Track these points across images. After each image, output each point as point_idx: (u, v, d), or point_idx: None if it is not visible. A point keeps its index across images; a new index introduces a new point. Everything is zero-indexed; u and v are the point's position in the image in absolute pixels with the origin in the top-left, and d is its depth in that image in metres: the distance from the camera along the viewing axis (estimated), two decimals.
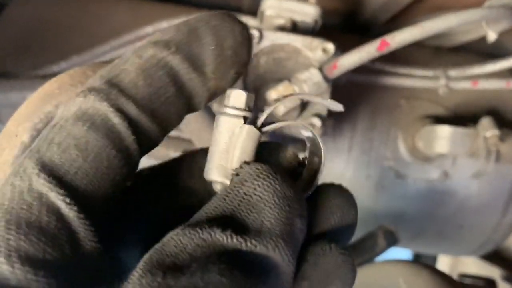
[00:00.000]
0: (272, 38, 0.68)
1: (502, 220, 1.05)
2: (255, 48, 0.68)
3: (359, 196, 1.03)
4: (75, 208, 0.22)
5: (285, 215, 0.24)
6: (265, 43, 0.67)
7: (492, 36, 0.86)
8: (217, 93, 0.27)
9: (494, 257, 1.71)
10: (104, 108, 0.24)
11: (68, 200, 0.22)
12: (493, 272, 1.57)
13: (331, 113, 0.85)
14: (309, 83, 0.60)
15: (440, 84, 0.86)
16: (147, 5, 0.99)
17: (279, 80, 0.65)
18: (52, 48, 0.96)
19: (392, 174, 0.99)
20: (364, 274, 0.68)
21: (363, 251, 0.74)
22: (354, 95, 0.98)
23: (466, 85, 0.87)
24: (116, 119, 0.24)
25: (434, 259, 2.16)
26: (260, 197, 0.24)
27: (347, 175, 0.99)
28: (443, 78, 0.86)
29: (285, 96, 0.31)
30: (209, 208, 0.24)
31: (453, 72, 0.87)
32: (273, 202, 0.24)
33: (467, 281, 1.42)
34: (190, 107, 0.27)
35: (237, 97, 0.28)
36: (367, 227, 0.99)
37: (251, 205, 0.24)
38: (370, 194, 1.01)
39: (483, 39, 1.02)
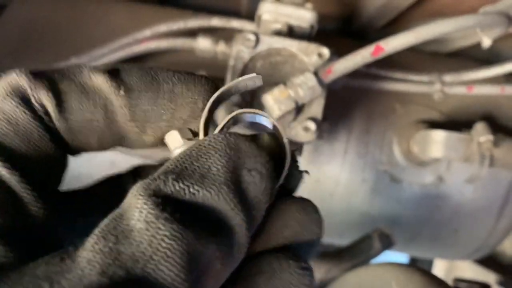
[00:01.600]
0: (269, 43, 0.68)
1: (497, 224, 1.06)
2: (252, 52, 0.68)
3: (354, 200, 1.03)
4: (16, 173, 0.23)
5: (233, 164, 0.23)
6: (262, 47, 0.68)
7: (486, 42, 0.87)
8: None
9: (490, 262, 1.72)
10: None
11: (8, 166, 0.23)
12: (488, 277, 1.57)
13: (325, 117, 0.86)
14: (304, 87, 0.61)
15: (435, 89, 0.87)
16: (146, 8, 1.00)
17: (275, 83, 0.65)
18: (51, 49, 0.97)
19: (387, 178, 1.00)
20: (357, 277, 0.68)
21: (358, 253, 0.74)
22: (350, 99, 0.99)
23: (461, 90, 0.88)
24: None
25: (430, 263, 2.17)
26: (212, 146, 0.24)
27: (343, 178, 1.00)
28: (438, 83, 0.87)
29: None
30: (163, 167, 0.23)
31: (448, 77, 0.88)
32: (223, 151, 0.23)
33: (462, 285, 1.43)
34: None
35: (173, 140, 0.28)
36: (363, 231, 1.00)
37: (201, 153, 0.23)
38: (366, 198, 1.01)
39: (478, 45, 1.03)
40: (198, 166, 0.23)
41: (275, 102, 0.61)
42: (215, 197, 0.22)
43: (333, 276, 0.72)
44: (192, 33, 0.89)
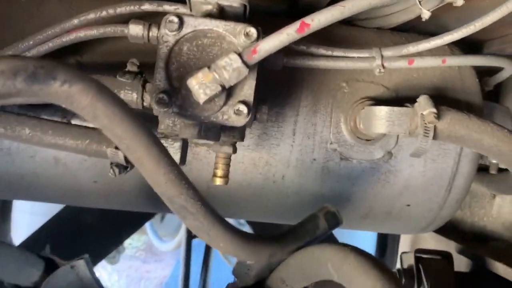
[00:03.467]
0: (194, 24, 0.66)
1: (449, 196, 1.07)
2: (177, 35, 0.65)
3: (306, 180, 1.02)
4: None
5: None
6: (187, 29, 0.65)
7: (426, 14, 0.86)
8: None
9: (451, 230, 1.75)
10: None
11: None
12: (449, 246, 1.61)
13: (265, 99, 0.84)
14: (229, 69, 0.59)
15: (376, 64, 0.86)
16: None
17: (204, 67, 0.63)
18: None
19: (337, 157, 0.99)
20: (296, 259, 0.67)
21: (303, 235, 0.73)
22: (295, 80, 0.97)
23: (402, 64, 0.87)
24: None
25: (398, 236, 2.21)
26: None
27: (293, 159, 0.99)
28: (378, 58, 0.86)
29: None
30: None
31: (388, 52, 0.87)
32: None
33: (424, 256, 1.45)
34: None
35: None
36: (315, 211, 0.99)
37: None
38: (316, 178, 1.00)
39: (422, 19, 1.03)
40: None
41: (200, 86, 0.59)
42: None
43: (278, 260, 0.71)
44: (127, 20, 0.86)
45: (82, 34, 0.82)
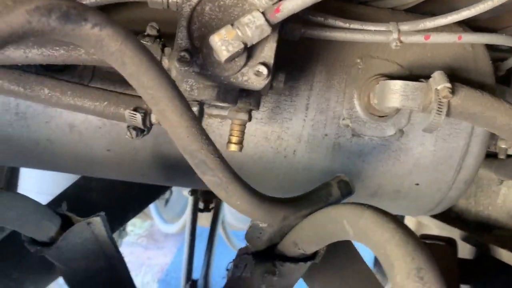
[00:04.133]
0: None
1: (458, 176, 1.07)
2: None
3: (317, 156, 1.03)
4: None
5: None
6: None
7: None
8: None
9: (455, 220, 1.76)
10: None
11: None
12: (453, 233, 1.61)
13: (282, 68, 0.85)
14: (252, 26, 0.59)
15: (393, 38, 0.86)
16: None
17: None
18: None
19: (348, 133, 1.00)
20: (311, 221, 0.68)
21: (316, 201, 0.74)
22: (310, 53, 0.98)
23: (418, 39, 0.88)
24: None
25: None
26: None
27: (305, 134, 0.99)
28: (395, 32, 0.87)
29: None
30: None
31: (404, 26, 0.87)
32: None
33: (428, 241, 1.46)
34: None
35: None
36: None
37: None
38: (327, 154, 1.01)
39: (437, 1, 1.03)
40: None
41: (222, 43, 0.60)
42: None
43: (290, 223, 0.71)
44: None
45: None
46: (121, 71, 0.52)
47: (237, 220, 3.16)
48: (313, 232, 0.68)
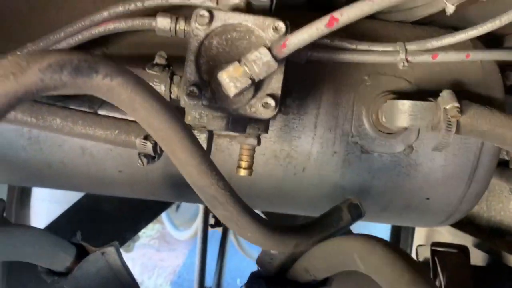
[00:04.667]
0: (224, 18, 0.67)
1: (468, 190, 1.07)
2: (207, 29, 0.67)
3: (326, 173, 1.04)
4: None
5: None
6: (216, 23, 0.66)
7: (450, 8, 0.86)
8: None
9: (467, 225, 1.75)
10: None
11: None
12: (466, 240, 1.61)
13: (290, 92, 0.85)
14: (259, 63, 0.60)
15: (400, 59, 0.86)
16: None
17: (232, 61, 0.64)
18: (8, 35, 0.94)
19: (358, 150, 1.00)
20: (322, 251, 0.69)
21: (327, 226, 0.74)
22: (318, 73, 0.98)
23: (425, 58, 0.88)
24: None
25: (412, 229, 2.21)
26: None
27: (314, 152, 1.00)
28: (402, 52, 0.87)
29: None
30: None
31: (412, 46, 0.87)
32: None
33: (440, 249, 1.45)
34: None
35: None
36: (335, 203, 1.01)
37: None
38: (337, 170, 1.02)
39: (444, 13, 1.02)
40: None
41: (230, 80, 0.60)
42: None
43: (302, 250, 0.72)
44: (152, 13, 0.87)
45: (112, 27, 0.84)
46: (133, 116, 0.53)
47: None
48: (324, 260, 0.69)
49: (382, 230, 2.34)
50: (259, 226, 0.65)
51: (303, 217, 1.25)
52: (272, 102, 0.66)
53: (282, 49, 0.61)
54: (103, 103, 0.93)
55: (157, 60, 0.79)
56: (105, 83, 0.49)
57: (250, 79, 0.61)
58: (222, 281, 2.02)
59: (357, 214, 0.79)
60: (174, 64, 0.82)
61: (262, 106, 0.66)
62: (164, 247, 4.14)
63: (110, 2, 0.90)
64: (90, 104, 0.94)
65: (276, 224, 0.70)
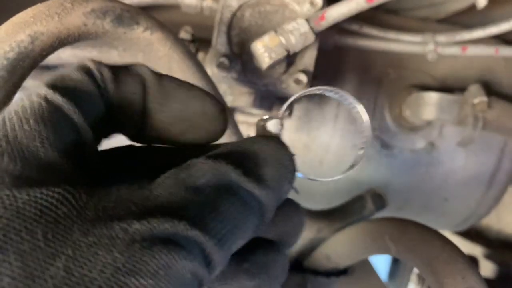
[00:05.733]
0: None
1: (488, 192, 1.05)
2: (240, 0, 0.65)
3: (344, 166, 1.01)
4: (77, 111, 0.25)
5: (282, 176, 0.27)
6: None
7: (482, 2, 0.85)
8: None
9: (476, 236, 1.72)
10: None
11: (73, 104, 0.25)
12: (475, 250, 1.58)
13: (316, 77, 0.83)
14: (296, 33, 0.58)
15: (429, 49, 0.85)
16: None
17: (264, 34, 0.62)
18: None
19: (378, 144, 0.98)
20: (348, 234, 0.66)
21: (350, 214, 0.72)
22: (342, 62, 0.96)
23: (455, 51, 0.86)
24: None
25: None
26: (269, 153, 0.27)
27: (333, 144, 0.97)
28: (431, 43, 0.85)
29: None
30: (225, 148, 0.27)
31: (441, 38, 0.86)
32: (277, 161, 0.27)
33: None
34: None
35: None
36: (351, 197, 0.98)
37: (257, 156, 0.26)
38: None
39: (471, 12, 1.01)
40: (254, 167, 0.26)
41: (265, 50, 0.58)
42: (264, 197, 0.26)
43: (324, 236, 0.69)
44: None
45: (136, 1, 0.82)
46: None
47: None
48: (349, 245, 0.66)
49: None
50: None
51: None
52: (304, 78, 0.64)
53: (320, 22, 0.59)
54: None
55: (183, 35, 0.77)
56: (145, 36, 0.46)
57: (286, 50, 0.59)
58: None
59: (380, 204, 0.77)
60: (200, 45, 0.80)
61: (293, 82, 0.64)
62: None
63: None
64: None
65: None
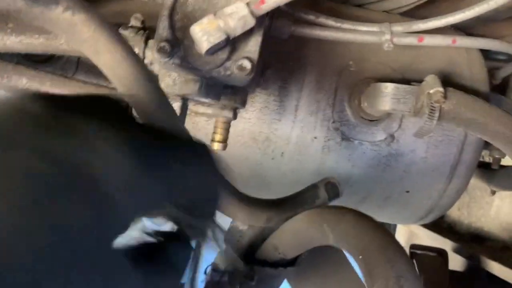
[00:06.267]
0: None
1: (449, 185, 1.05)
2: None
3: (305, 158, 1.00)
4: None
5: None
6: None
7: None
8: None
9: (447, 230, 1.73)
10: None
11: None
12: (445, 244, 1.59)
13: (269, 65, 0.82)
14: (235, 17, 0.57)
15: (385, 39, 0.84)
16: None
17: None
18: None
19: (338, 136, 0.97)
20: (292, 224, 0.65)
21: (302, 203, 0.71)
22: (301, 53, 0.95)
23: (411, 40, 0.85)
24: None
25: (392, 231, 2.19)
26: None
27: (293, 136, 0.97)
28: (387, 33, 0.84)
29: None
30: None
31: (398, 27, 0.85)
32: None
33: (418, 251, 1.43)
34: None
35: None
36: None
37: None
38: (316, 156, 0.98)
39: (433, 6, 1.01)
40: None
41: (204, 33, 0.57)
42: None
43: (273, 226, 0.69)
44: None
45: None
46: (95, 60, 0.49)
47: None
48: (293, 235, 0.65)
49: None
50: (231, 196, 0.62)
51: None
52: (248, 64, 0.62)
53: (260, 5, 0.58)
54: (77, 70, 0.90)
55: (133, 22, 0.75)
56: (65, 17, 0.45)
57: (225, 34, 0.58)
58: (196, 275, 1.97)
59: (334, 193, 0.76)
60: (151, 33, 0.79)
61: (237, 69, 0.63)
62: None
63: None
64: (63, 70, 0.90)
65: (249, 196, 0.66)
